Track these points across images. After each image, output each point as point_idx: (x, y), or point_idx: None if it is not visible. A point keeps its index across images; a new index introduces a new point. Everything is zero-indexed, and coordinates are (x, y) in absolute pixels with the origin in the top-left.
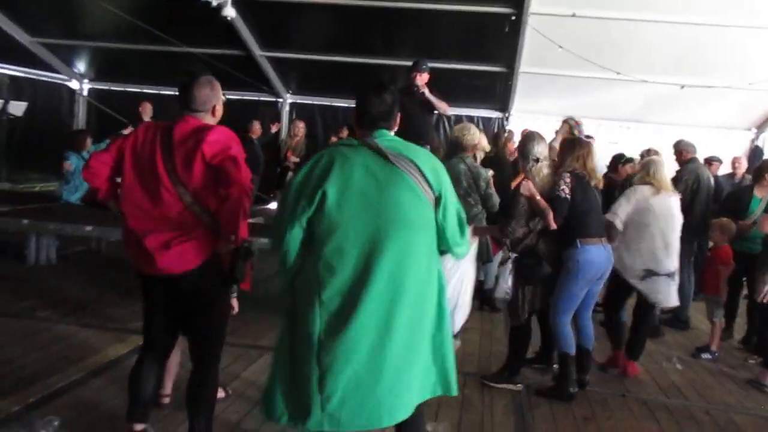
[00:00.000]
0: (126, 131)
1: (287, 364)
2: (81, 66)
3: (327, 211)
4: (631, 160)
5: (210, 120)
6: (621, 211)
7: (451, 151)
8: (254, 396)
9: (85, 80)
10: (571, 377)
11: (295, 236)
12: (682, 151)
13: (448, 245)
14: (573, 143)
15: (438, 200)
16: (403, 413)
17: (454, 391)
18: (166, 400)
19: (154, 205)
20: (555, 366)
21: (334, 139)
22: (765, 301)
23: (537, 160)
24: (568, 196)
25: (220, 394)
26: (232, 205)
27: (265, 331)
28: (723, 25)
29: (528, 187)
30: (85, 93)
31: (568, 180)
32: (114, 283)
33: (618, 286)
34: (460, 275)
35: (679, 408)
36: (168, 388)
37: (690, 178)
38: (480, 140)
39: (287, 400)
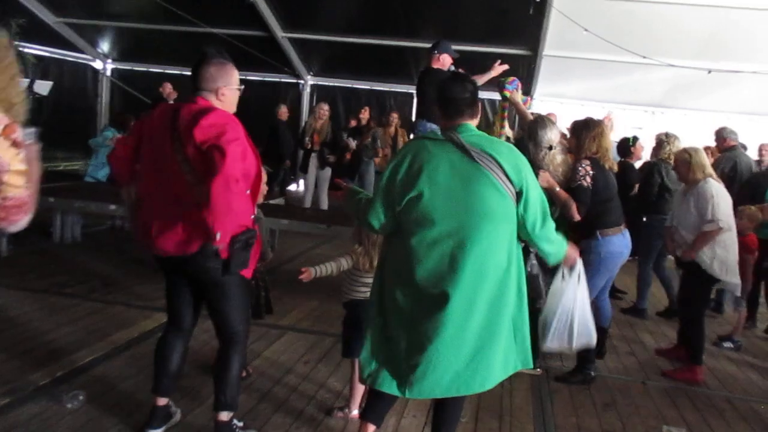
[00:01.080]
0: None
1: (378, 333)
2: (105, 46)
3: (416, 207)
4: (637, 139)
5: (215, 102)
6: (722, 213)
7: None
8: (275, 375)
9: (109, 60)
10: (592, 361)
11: (384, 225)
12: (725, 138)
13: (530, 236)
14: (586, 123)
15: (519, 194)
16: (480, 386)
17: (530, 364)
18: None
19: (160, 185)
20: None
21: (353, 122)
22: None
23: (550, 148)
24: (591, 185)
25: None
26: (211, 200)
27: (287, 311)
28: (751, 7)
29: (546, 178)
30: (108, 73)
31: (588, 168)
32: (138, 260)
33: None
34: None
35: (700, 396)
36: None
37: (727, 166)
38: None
39: (375, 367)
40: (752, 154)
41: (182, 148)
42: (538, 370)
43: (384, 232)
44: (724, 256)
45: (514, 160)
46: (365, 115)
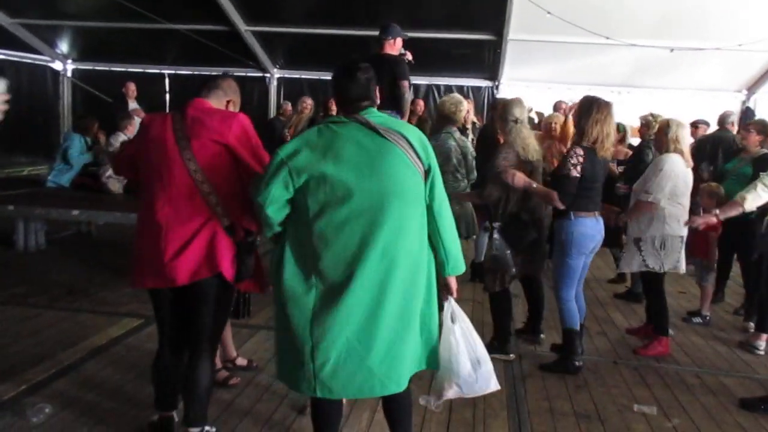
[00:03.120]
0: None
1: (285, 332)
2: (63, 46)
3: (322, 187)
4: (624, 126)
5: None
6: (661, 191)
7: (440, 123)
8: (247, 375)
9: (69, 61)
10: (577, 352)
11: (275, 199)
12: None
13: (434, 219)
14: (591, 104)
15: (427, 173)
16: (396, 385)
17: (438, 366)
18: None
19: (165, 188)
20: (542, 336)
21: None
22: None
23: (516, 121)
24: (578, 175)
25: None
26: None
27: (257, 310)
28: None
29: (521, 178)
30: (69, 74)
31: (581, 158)
32: (104, 266)
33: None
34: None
35: (670, 372)
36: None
37: None
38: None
39: (285, 366)
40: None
41: (187, 146)
42: (511, 355)
43: (274, 219)
44: (663, 232)
45: (421, 139)
46: (333, 105)
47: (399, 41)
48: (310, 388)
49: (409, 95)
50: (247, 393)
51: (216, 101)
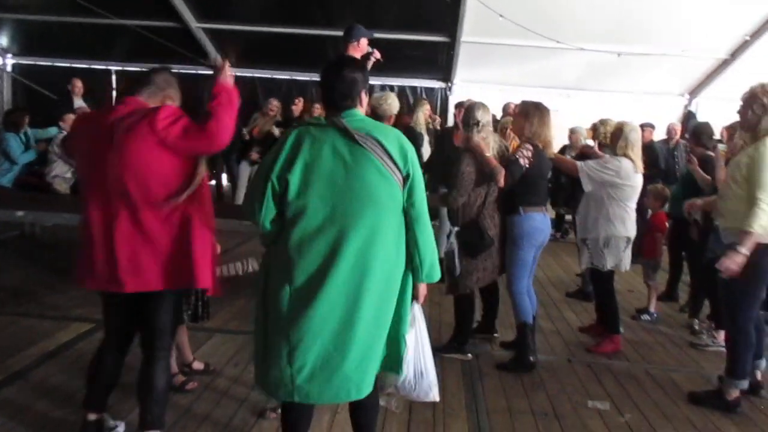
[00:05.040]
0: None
1: (261, 338)
2: (3, 40)
3: (294, 194)
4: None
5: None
6: (592, 175)
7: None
8: (204, 379)
9: (9, 55)
10: (531, 346)
11: (267, 215)
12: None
13: (411, 225)
14: (538, 109)
15: (406, 179)
16: (368, 387)
17: (401, 371)
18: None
19: (107, 191)
20: (496, 335)
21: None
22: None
23: (477, 123)
24: (525, 166)
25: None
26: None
27: (213, 312)
28: None
29: (477, 143)
30: (9, 69)
31: (530, 153)
32: (51, 268)
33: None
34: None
35: (621, 369)
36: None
37: None
38: (423, 112)
39: (264, 372)
40: (660, 132)
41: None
42: (469, 355)
43: (267, 228)
44: (607, 233)
45: (400, 144)
46: (299, 106)
47: (363, 41)
48: (288, 393)
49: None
50: (205, 397)
51: (151, 98)
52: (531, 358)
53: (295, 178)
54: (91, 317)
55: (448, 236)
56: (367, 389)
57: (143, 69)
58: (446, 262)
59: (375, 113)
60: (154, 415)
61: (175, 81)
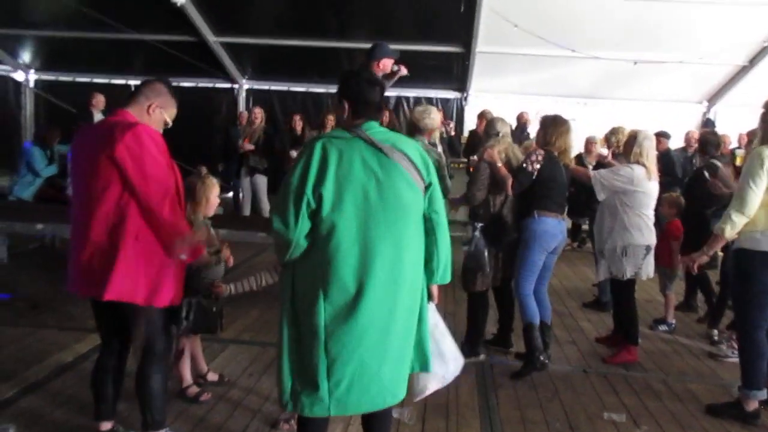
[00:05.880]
0: None
1: (293, 354)
2: (26, 56)
3: (329, 208)
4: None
5: (143, 116)
6: (608, 186)
7: (409, 132)
8: (218, 390)
9: (31, 71)
10: (539, 347)
11: (302, 231)
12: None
13: (433, 230)
14: (555, 120)
15: (428, 188)
16: (402, 393)
17: (430, 368)
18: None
19: (83, 201)
20: (512, 348)
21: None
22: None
23: (497, 134)
24: (534, 171)
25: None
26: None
27: (228, 323)
28: (671, 0)
29: (490, 154)
30: (32, 84)
31: (540, 158)
32: None
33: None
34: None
35: (638, 380)
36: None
37: None
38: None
39: (295, 388)
40: (678, 140)
41: (101, 163)
42: (482, 356)
43: (301, 244)
44: (624, 241)
45: (421, 154)
46: (298, 125)
47: (385, 62)
48: (324, 409)
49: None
50: (219, 408)
51: (137, 109)
52: (541, 358)
53: (328, 193)
54: None
55: (471, 233)
56: (401, 394)
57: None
58: (471, 261)
59: (416, 127)
60: (154, 416)
61: (166, 90)
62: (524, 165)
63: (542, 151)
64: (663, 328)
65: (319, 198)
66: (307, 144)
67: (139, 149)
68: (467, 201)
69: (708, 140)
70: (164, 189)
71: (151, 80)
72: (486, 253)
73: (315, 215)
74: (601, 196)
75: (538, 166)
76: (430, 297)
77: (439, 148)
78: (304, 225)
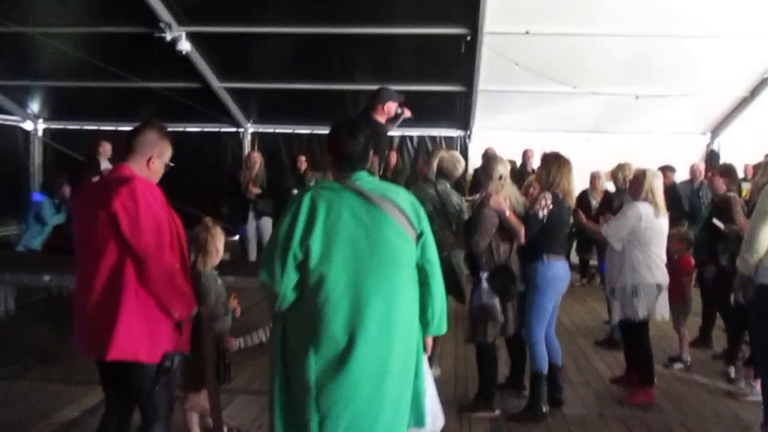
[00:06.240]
0: None
1: (284, 408)
2: (34, 106)
3: (316, 260)
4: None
5: (143, 170)
6: (619, 233)
7: (437, 177)
8: None
9: (40, 120)
10: (543, 396)
11: (289, 283)
12: None
13: (426, 280)
14: (558, 159)
15: (419, 237)
16: None
17: (424, 423)
18: None
19: (86, 258)
20: (525, 391)
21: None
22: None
23: (500, 178)
24: (545, 217)
25: None
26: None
27: (236, 373)
28: (671, 35)
29: (497, 202)
30: (40, 133)
31: (549, 202)
32: None
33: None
34: None
35: (655, 422)
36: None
37: None
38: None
39: None
40: (683, 173)
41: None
42: (497, 411)
43: (288, 296)
44: (634, 281)
45: (413, 204)
46: (303, 165)
47: (389, 105)
48: None
49: (374, 168)
50: None
51: (136, 164)
52: (543, 409)
53: (316, 245)
54: None
55: (477, 283)
56: None
57: (168, 129)
58: (480, 312)
59: (442, 172)
60: None
61: (159, 136)
62: (533, 212)
63: (549, 195)
64: (678, 365)
65: (306, 250)
66: (295, 196)
67: (134, 205)
68: (468, 248)
69: (731, 172)
70: (159, 242)
71: (143, 129)
72: (497, 304)
73: (303, 267)
74: (619, 247)
75: (547, 211)
76: (423, 348)
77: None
78: (291, 277)
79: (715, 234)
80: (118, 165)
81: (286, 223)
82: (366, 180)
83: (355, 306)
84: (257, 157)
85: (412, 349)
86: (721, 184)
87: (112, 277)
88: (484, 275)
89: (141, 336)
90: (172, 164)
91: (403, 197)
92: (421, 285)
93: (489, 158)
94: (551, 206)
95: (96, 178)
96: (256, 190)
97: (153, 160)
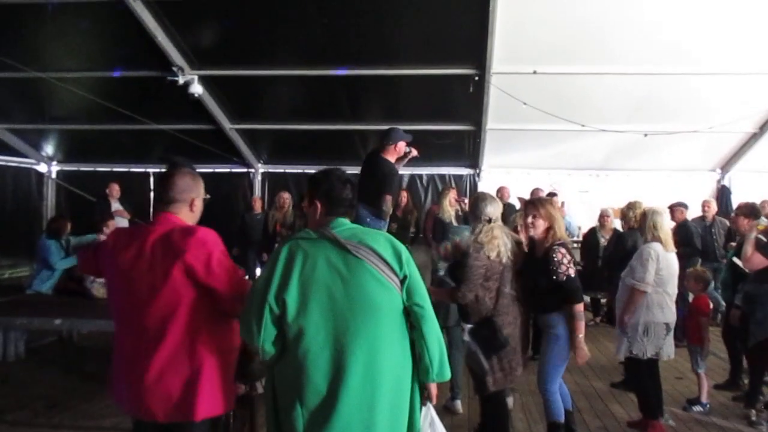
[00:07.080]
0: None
1: None
2: (49, 149)
3: (293, 314)
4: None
5: (187, 215)
6: (648, 277)
7: (470, 217)
8: None
9: (53, 162)
10: None
11: (267, 338)
12: None
13: (417, 325)
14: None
15: (403, 281)
16: None
17: None
18: None
19: (140, 313)
20: None
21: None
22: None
23: (489, 221)
24: (575, 270)
25: None
26: None
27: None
28: (678, 73)
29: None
30: (54, 175)
31: (567, 254)
32: (87, 375)
33: None
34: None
35: None
36: None
37: None
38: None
39: None
40: (695, 210)
41: (159, 275)
42: None
43: (267, 350)
44: (646, 319)
45: (393, 247)
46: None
47: (400, 145)
48: None
49: (389, 207)
50: None
51: (180, 210)
52: None
53: (292, 299)
54: (124, 427)
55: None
56: None
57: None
58: (472, 363)
59: (475, 214)
60: None
61: (190, 177)
62: (567, 274)
63: (563, 249)
64: (697, 408)
65: (283, 304)
66: (276, 248)
67: (206, 252)
68: (453, 298)
69: (757, 210)
70: (240, 280)
71: (174, 177)
72: (482, 357)
73: (282, 320)
74: (650, 289)
75: (573, 264)
76: (429, 397)
77: (455, 225)
78: (269, 332)
79: (739, 275)
80: (163, 215)
81: (263, 277)
82: (344, 228)
83: (336, 356)
84: (287, 198)
85: (404, 398)
86: (745, 225)
87: (189, 334)
88: (467, 327)
89: (220, 393)
90: (208, 196)
91: (383, 242)
92: (413, 329)
93: (476, 198)
94: (569, 257)
95: (114, 221)
96: (285, 232)
97: (194, 203)
